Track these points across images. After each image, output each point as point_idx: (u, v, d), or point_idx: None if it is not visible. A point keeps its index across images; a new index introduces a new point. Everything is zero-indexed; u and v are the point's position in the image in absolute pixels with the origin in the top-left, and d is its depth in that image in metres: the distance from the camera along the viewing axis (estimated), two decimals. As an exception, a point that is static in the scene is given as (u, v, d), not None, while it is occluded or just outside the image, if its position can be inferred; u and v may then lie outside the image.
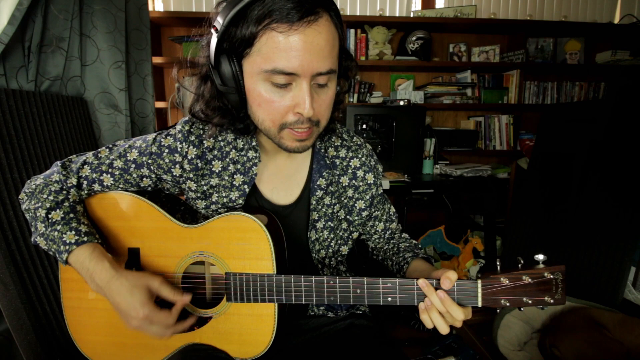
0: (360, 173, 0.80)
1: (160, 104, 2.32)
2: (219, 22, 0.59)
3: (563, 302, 0.60)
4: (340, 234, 0.82)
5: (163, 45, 2.45)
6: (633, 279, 1.49)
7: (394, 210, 0.89)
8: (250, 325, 0.70)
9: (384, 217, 0.87)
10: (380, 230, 0.87)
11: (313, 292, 0.66)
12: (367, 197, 0.82)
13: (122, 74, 1.48)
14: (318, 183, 0.78)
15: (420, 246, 0.87)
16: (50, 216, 0.69)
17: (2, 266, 0.88)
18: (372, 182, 0.82)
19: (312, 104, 0.60)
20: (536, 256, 0.61)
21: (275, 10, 0.55)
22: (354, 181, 0.80)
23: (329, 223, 0.80)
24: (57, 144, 1.17)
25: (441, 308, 0.61)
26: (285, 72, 0.58)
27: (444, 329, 0.62)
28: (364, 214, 0.82)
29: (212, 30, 0.60)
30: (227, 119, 0.68)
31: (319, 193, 0.78)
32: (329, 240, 0.81)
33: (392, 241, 0.89)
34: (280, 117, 0.62)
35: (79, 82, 1.38)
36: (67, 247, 0.66)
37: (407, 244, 0.87)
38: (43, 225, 0.69)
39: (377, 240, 0.89)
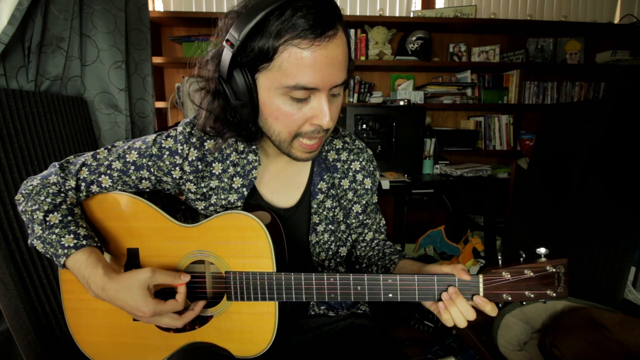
0: (359, 177, 0.81)
1: (160, 104, 2.32)
2: (233, 35, 0.56)
3: (565, 295, 0.59)
4: (339, 235, 0.82)
5: (163, 45, 2.45)
6: (633, 279, 1.49)
7: (384, 222, 0.89)
8: (251, 323, 0.70)
9: (374, 227, 0.86)
10: (368, 240, 0.86)
11: (313, 289, 0.65)
12: (363, 202, 0.82)
13: (122, 74, 1.48)
14: (319, 186, 0.78)
15: (404, 253, 0.85)
16: (48, 219, 0.68)
17: (2, 266, 0.88)
18: (369, 187, 0.82)
19: (330, 115, 0.60)
20: (538, 250, 0.60)
21: (295, 25, 0.53)
22: (353, 184, 0.81)
23: (330, 226, 0.80)
24: (57, 144, 1.17)
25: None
26: (307, 88, 0.57)
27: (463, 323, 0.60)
28: (361, 217, 0.83)
29: (226, 44, 0.57)
30: (236, 132, 0.67)
31: (320, 196, 0.78)
32: (329, 243, 0.81)
33: (376, 248, 0.87)
34: (297, 128, 0.63)
35: (79, 82, 1.38)
36: (66, 250, 0.65)
37: (392, 250, 0.84)
38: (40, 228, 0.67)
39: (363, 249, 0.87)
